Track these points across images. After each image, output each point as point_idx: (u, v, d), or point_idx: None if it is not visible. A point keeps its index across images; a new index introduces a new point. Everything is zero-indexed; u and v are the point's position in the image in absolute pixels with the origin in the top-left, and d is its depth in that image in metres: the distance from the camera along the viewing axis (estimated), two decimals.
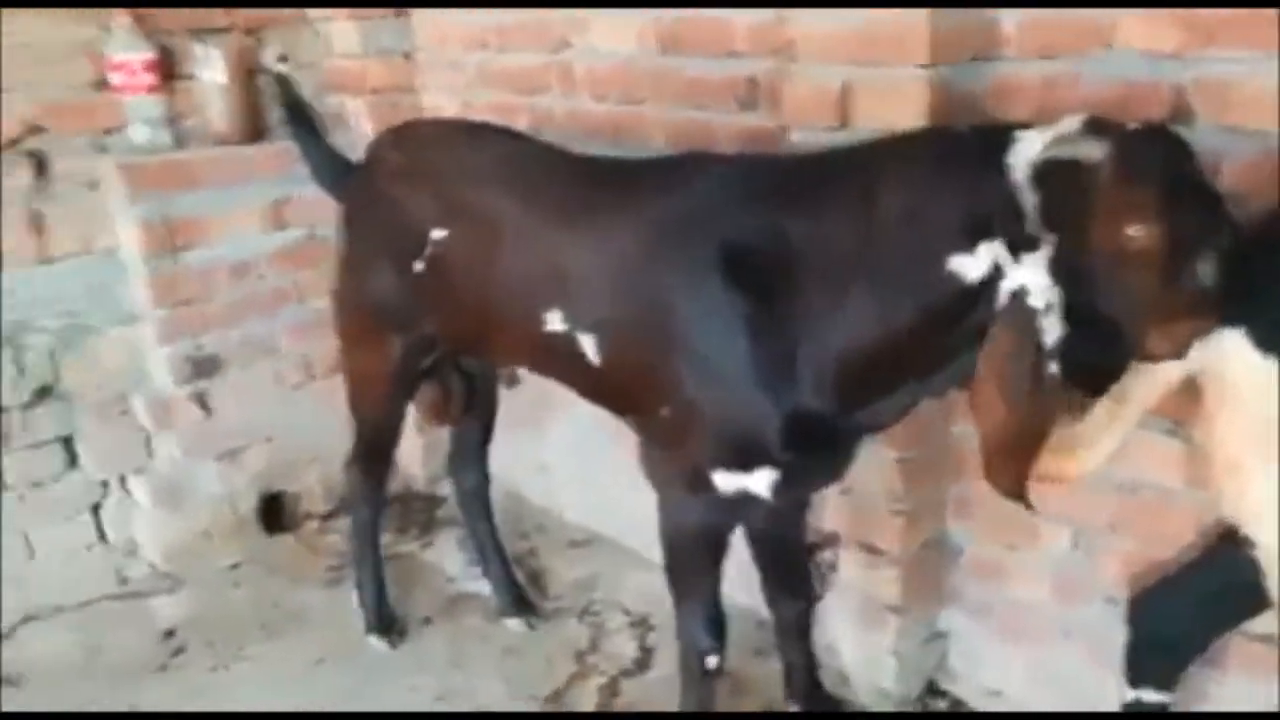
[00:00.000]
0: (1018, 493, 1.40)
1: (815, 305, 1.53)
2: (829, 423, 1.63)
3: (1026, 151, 1.30)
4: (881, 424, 1.69)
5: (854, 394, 1.58)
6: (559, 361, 1.90)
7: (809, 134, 1.93)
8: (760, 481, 1.69)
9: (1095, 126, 1.28)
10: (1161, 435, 1.74)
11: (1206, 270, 1.23)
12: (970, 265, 1.34)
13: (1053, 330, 1.29)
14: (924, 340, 1.46)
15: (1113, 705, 1.90)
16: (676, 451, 1.77)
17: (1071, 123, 1.30)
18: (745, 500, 1.72)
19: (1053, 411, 1.34)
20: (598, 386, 1.91)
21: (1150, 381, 1.39)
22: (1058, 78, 1.73)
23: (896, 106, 1.77)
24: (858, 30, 1.80)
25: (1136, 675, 1.79)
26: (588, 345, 1.80)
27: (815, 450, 1.70)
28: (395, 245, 2.07)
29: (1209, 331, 1.28)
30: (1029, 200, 1.28)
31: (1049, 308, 1.29)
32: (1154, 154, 1.26)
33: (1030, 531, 2.06)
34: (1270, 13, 1.48)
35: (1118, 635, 1.93)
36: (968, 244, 1.34)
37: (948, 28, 1.73)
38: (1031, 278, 1.29)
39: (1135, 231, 1.22)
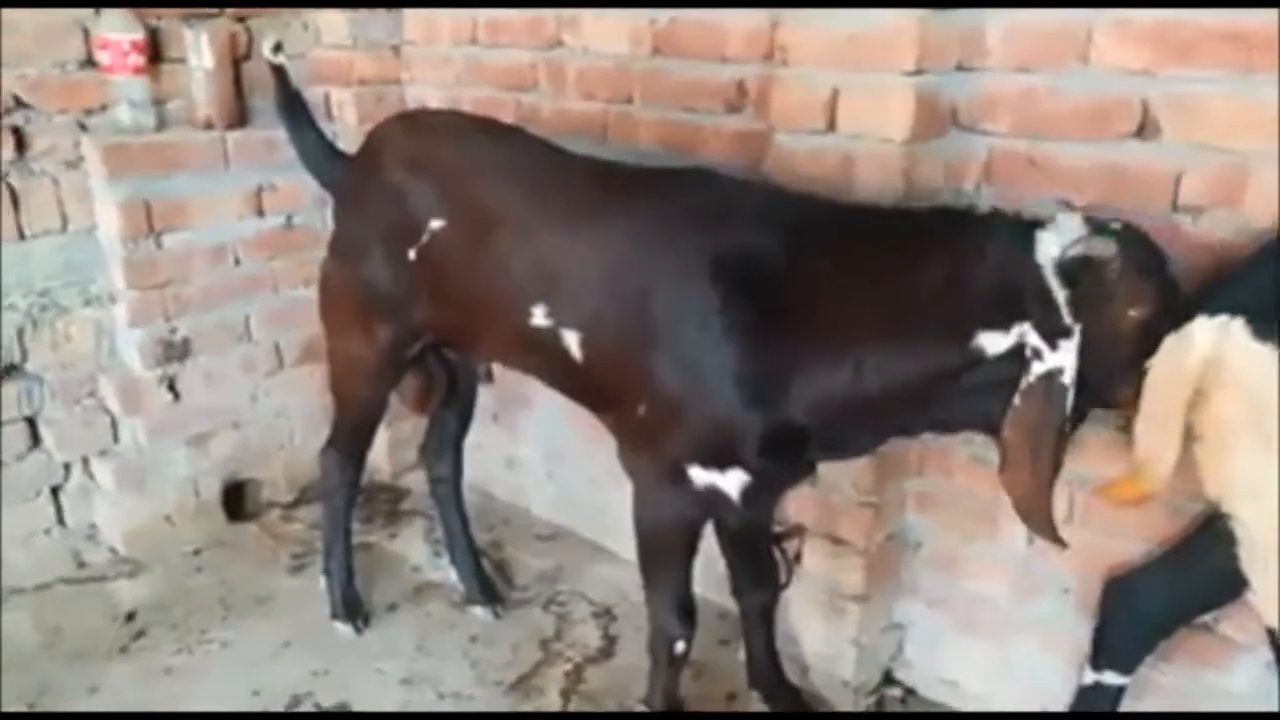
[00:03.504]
0: (1053, 533, 1.58)
1: (829, 343, 1.64)
2: (807, 439, 1.73)
3: (1049, 250, 1.48)
4: (859, 451, 1.87)
5: (849, 429, 1.73)
6: (541, 357, 1.95)
7: (796, 138, 2.02)
8: (731, 481, 1.77)
9: (1095, 227, 1.48)
10: (1114, 431, 1.81)
11: (1169, 327, 1.48)
12: (998, 341, 1.52)
13: (1072, 399, 1.49)
14: (924, 398, 1.62)
15: (1066, 694, 2.00)
16: (653, 447, 1.83)
17: (1073, 222, 1.49)
18: (716, 496, 1.79)
19: (1062, 461, 1.55)
20: (578, 383, 1.96)
21: (1176, 386, 1.50)
22: (1035, 90, 1.83)
23: (882, 112, 1.87)
24: (847, 36, 1.88)
25: (1103, 658, 1.88)
26: (571, 341, 1.86)
27: (786, 462, 1.80)
28: (392, 232, 2.10)
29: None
30: (1060, 294, 1.47)
31: (1073, 382, 1.48)
32: (1148, 249, 1.48)
33: (988, 525, 2.15)
34: (1236, 33, 1.60)
35: (1071, 626, 2.04)
36: (1002, 322, 1.51)
37: (934, 36, 1.82)
38: (1066, 361, 1.47)
39: (1136, 313, 1.45)
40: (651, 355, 1.75)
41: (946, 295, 1.56)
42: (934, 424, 1.72)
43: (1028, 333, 1.49)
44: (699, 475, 1.78)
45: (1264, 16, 1.57)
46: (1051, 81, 1.82)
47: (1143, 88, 1.72)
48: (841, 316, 1.64)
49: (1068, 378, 1.47)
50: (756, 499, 1.85)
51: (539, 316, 1.88)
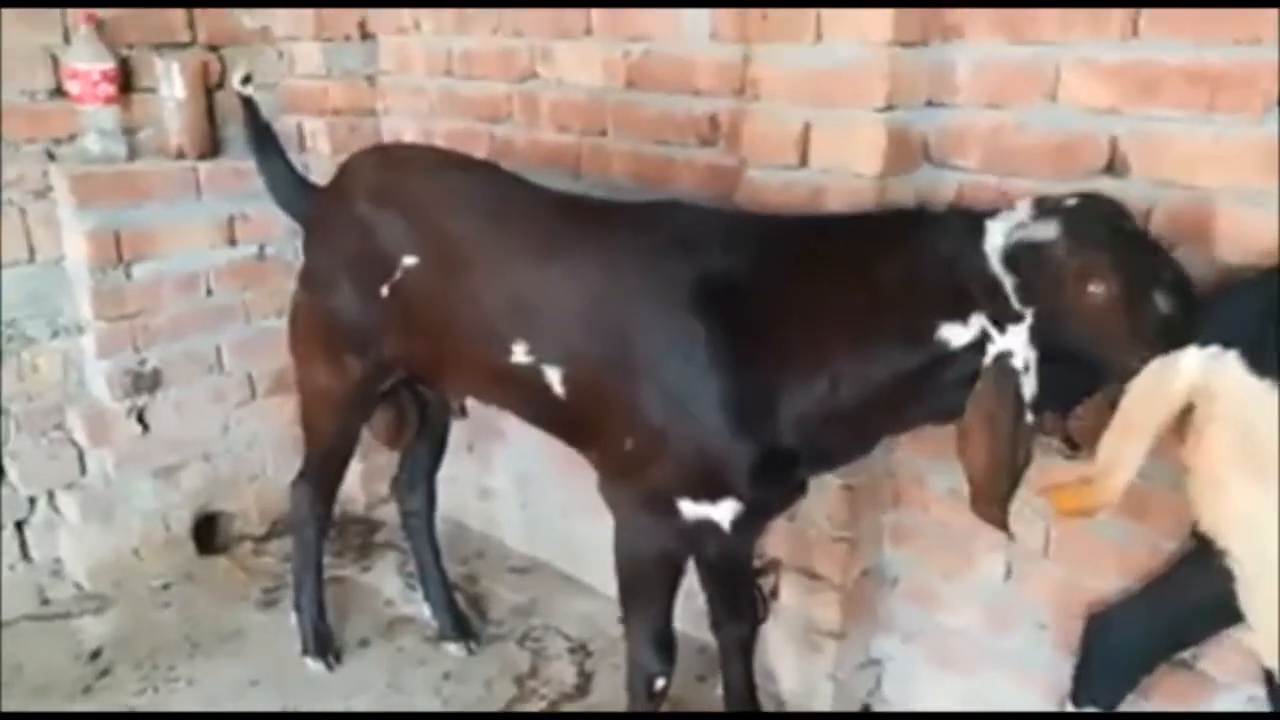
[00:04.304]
0: (1000, 522, 1.56)
1: (803, 358, 1.64)
2: (797, 459, 1.73)
3: (994, 240, 1.49)
4: (849, 460, 1.85)
5: (835, 440, 1.72)
6: (522, 393, 1.93)
7: (768, 172, 2.02)
8: (723, 511, 1.75)
9: (1042, 207, 1.48)
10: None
11: (1163, 300, 1.42)
12: (959, 333, 1.52)
13: (1030, 385, 1.48)
14: (901, 398, 1.61)
15: None
16: (639, 480, 1.81)
17: (1023, 208, 1.49)
18: (706, 528, 1.77)
19: (1029, 453, 1.52)
20: (560, 418, 1.93)
21: (1155, 407, 1.47)
22: (1005, 126, 1.84)
23: (854, 147, 1.87)
24: (818, 72, 1.89)
25: (1085, 693, 1.86)
26: (553, 377, 1.84)
27: (778, 485, 1.79)
28: (363, 268, 2.08)
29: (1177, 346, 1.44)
30: (1007, 282, 1.47)
31: (1027, 367, 1.47)
32: (1095, 221, 1.46)
33: (964, 560, 2.14)
34: (1198, 72, 1.61)
35: (1046, 661, 2.03)
36: (961, 315, 1.51)
37: (904, 72, 1.83)
38: (1015, 344, 1.47)
39: (1095, 289, 1.41)
40: (637, 389, 1.74)
41: (906, 294, 1.56)
42: (930, 416, 1.70)
43: (984, 321, 1.49)
44: (689, 508, 1.76)
45: (1225, 55, 1.59)
46: (1020, 118, 1.82)
47: (1110, 125, 1.73)
48: (815, 331, 1.64)
49: (1018, 361, 1.46)
50: (747, 527, 1.84)
51: (519, 353, 1.86)
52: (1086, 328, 1.44)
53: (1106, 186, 1.73)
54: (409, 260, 2.00)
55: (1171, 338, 1.43)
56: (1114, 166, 1.74)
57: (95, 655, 2.59)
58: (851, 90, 1.85)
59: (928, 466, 2.13)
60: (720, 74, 2.19)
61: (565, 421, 1.94)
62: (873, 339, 1.59)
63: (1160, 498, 1.78)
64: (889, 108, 1.82)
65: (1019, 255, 1.46)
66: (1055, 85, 1.76)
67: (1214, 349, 1.41)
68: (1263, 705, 1.65)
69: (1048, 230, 1.44)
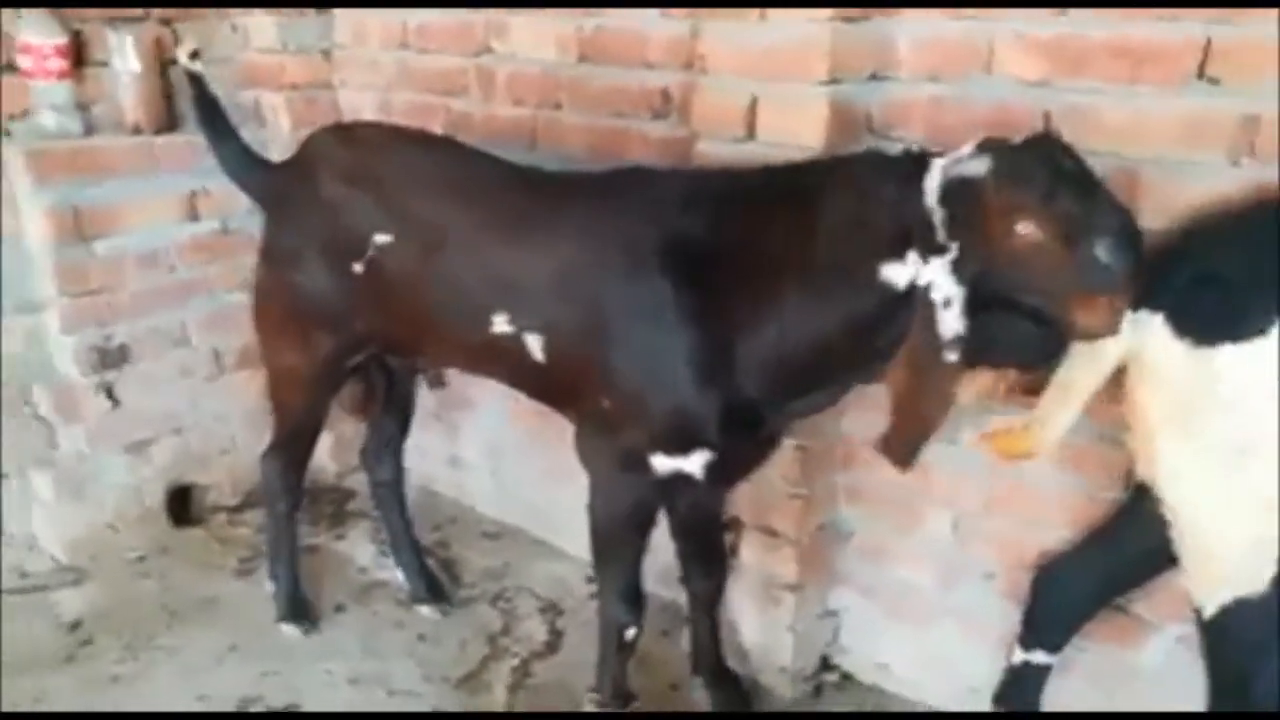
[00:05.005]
0: (902, 461, 1.58)
1: (755, 306, 1.67)
2: (763, 410, 1.78)
3: (934, 177, 1.49)
4: (817, 409, 1.87)
5: (792, 387, 1.75)
6: (503, 361, 1.98)
7: (717, 144, 2.06)
8: (695, 463, 1.81)
9: (984, 147, 1.47)
10: None
11: (1104, 249, 1.38)
12: (900, 273, 1.51)
13: (952, 323, 1.46)
14: (857, 342, 1.63)
15: (989, 674, 2.07)
16: (614, 436, 1.87)
17: (967, 147, 1.48)
18: (678, 480, 1.84)
19: (947, 396, 1.52)
20: (541, 383, 1.99)
21: (1091, 366, 1.56)
22: (944, 98, 1.89)
23: (798, 120, 1.91)
24: (763, 47, 1.93)
25: (1033, 638, 1.94)
26: (534, 344, 1.89)
27: (748, 435, 1.84)
28: (332, 246, 2.10)
29: (1130, 302, 1.45)
30: (938, 215, 1.47)
31: (948, 303, 1.46)
32: (1029, 160, 1.43)
33: (914, 516, 2.23)
34: (1124, 47, 1.67)
35: (993, 610, 2.12)
36: (898, 253, 1.51)
37: (846, 47, 1.87)
38: (935, 276, 1.47)
39: (1022, 229, 1.40)
40: (611, 351, 1.79)
41: (850, 237, 1.56)
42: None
43: (916, 257, 1.49)
44: (661, 462, 1.82)
45: (1147, 31, 1.64)
46: (959, 90, 1.87)
47: (1043, 97, 1.78)
48: (766, 279, 1.66)
49: (937, 294, 1.45)
50: (720, 477, 1.90)
51: (500, 324, 1.91)
52: (1015, 270, 1.42)
53: None
54: (381, 238, 2.02)
55: (1113, 291, 1.40)
56: None
57: (75, 626, 2.64)
58: (795, 65, 1.88)
59: (879, 429, 2.20)
60: (671, 48, 2.22)
61: (546, 385, 1.99)
62: (818, 283, 1.61)
63: (1094, 452, 1.87)
64: (832, 81, 1.86)
65: (951, 189, 1.45)
66: (990, 58, 1.81)
67: (1142, 313, 1.48)
68: (1191, 645, 1.75)
69: (979, 166, 1.43)
